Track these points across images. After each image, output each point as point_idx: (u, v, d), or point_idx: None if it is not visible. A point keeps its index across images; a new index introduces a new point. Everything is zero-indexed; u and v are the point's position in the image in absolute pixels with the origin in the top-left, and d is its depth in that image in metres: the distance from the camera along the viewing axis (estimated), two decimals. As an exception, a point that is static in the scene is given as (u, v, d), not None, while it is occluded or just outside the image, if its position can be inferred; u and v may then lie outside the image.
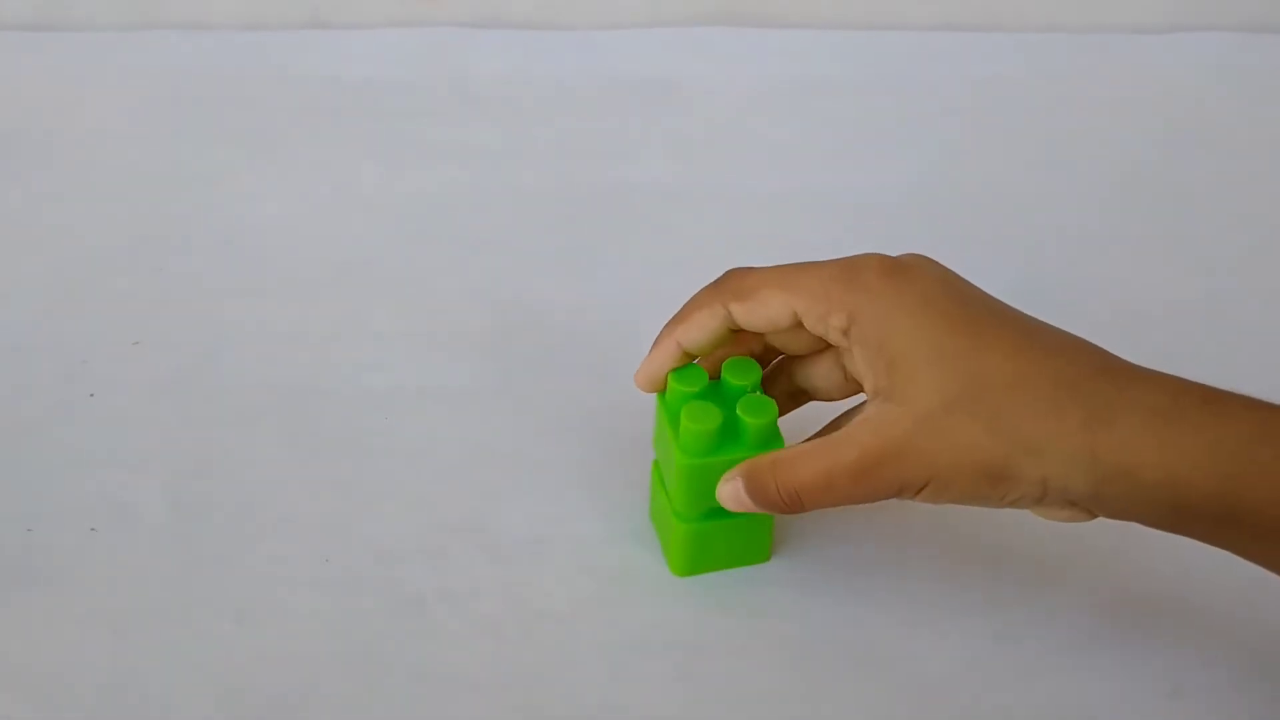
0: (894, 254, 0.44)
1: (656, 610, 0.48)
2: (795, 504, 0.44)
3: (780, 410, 0.48)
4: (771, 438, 0.46)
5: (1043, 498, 0.41)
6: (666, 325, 0.47)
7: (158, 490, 0.52)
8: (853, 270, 0.43)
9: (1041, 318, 0.44)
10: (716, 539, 0.48)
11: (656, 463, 0.50)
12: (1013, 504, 0.42)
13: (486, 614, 0.48)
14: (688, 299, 0.47)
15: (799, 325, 0.44)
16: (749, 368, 0.47)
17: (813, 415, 0.49)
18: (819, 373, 0.47)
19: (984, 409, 0.40)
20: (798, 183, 0.71)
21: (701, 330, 0.46)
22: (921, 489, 0.41)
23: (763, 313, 0.44)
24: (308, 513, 0.51)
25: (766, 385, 0.48)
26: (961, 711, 0.45)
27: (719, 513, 0.47)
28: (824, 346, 0.46)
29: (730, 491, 0.45)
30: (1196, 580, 0.49)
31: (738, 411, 0.46)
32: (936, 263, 0.44)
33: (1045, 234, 0.67)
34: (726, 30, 0.82)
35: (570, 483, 0.53)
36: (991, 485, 0.41)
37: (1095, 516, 0.42)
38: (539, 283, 0.64)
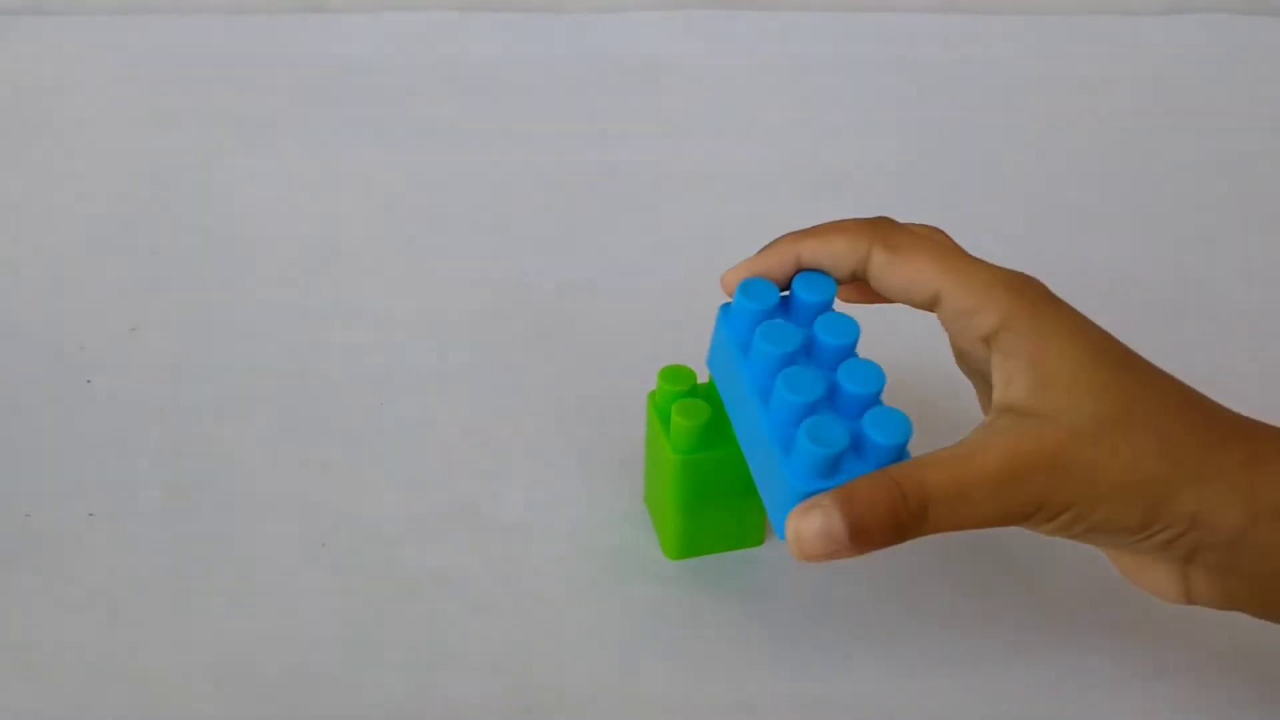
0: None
1: (650, 593, 0.48)
2: (917, 520, 0.38)
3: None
4: None
5: (1180, 537, 0.38)
6: (788, 236, 0.43)
7: (155, 475, 0.52)
8: (1019, 282, 0.40)
9: None
10: (711, 522, 0.49)
11: (650, 443, 0.50)
12: (1146, 544, 0.39)
13: (481, 596, 0.48)
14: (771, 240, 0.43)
15: (930, 305, 0.41)
16: None
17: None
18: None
19: (1148, 429, 0.38)
20: (790, 164, 0.71)
21: (832, 254, 0.42)
22: (1060, 512, 0.38)
23: (904, 276, 0.41)
24: (303, 495, 0.52)
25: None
26: (950, 690, 0.45)
27: (712, 503, 0.48)
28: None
29: (819, 526, 0.37)
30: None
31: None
32: None
33: (1038, 217, 0.67)
34: (717, 13, 0.82)
35: (565, 466, 0.53)
36: (1141, 514, 0.38)
37: (1190, 602, 0.40)
38: (533, 265, 0.64)
